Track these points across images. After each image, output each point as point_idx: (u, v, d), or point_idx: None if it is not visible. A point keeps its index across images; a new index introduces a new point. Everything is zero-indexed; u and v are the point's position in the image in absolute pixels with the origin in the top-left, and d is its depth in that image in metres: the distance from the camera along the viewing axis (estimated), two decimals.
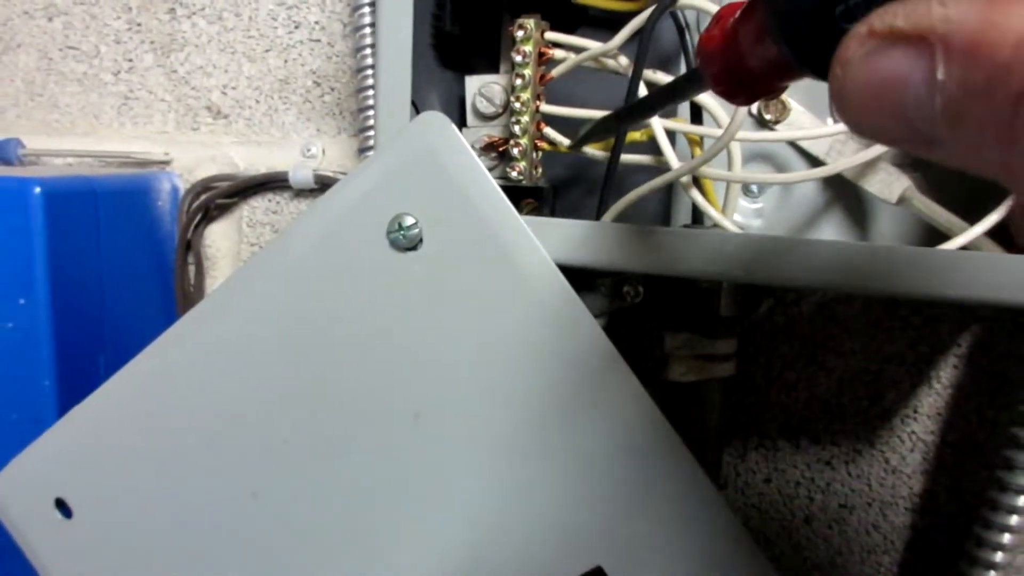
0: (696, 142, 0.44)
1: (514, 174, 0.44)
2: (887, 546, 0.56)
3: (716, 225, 0.42)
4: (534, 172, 0.45)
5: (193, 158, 0.68)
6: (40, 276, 0.56)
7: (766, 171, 0.48)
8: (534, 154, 0.45)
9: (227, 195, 0.67)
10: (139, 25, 0.69)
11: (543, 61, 0.44)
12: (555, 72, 0.44)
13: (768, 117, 0.46)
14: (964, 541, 0.48)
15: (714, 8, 0.40)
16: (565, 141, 0.44)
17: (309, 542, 0.41)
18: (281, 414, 0.41)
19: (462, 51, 0.48)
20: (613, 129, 0.40)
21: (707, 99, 0.42)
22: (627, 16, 0.43)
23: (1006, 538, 0.46)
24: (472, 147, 0.38)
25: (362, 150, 0.57)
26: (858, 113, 0.18)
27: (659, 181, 0.41)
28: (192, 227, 0.68)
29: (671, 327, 0.47)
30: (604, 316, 0.43)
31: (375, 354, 0.39)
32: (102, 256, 0.61)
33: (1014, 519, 0.45)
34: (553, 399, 0.37)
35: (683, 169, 0.41)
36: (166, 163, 0.69)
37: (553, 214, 0.50)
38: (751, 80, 0.23)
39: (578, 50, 0.44)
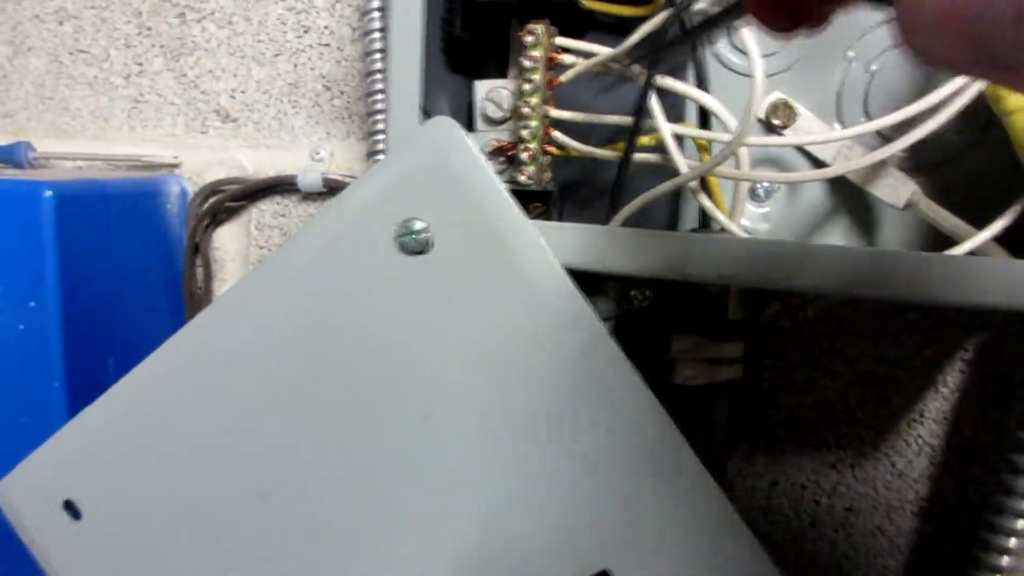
0: (704, 147, 0.45)
1: (523, 178, 0.45)
2: (893, 550, 0.56)
3: (724, 229, 0.42)
4: (543, 176, 0.45)
5: (202, 161, 0.69)
6: (50, 279, 0.56)
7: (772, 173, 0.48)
8: (542, 158, 0.45)
9: (236, 198, 0.67)
10: (149, 29, 0.69)
11: (552, 66, 0.44)
12: (565, 77, 0.44)
13: (776, 122, 0.46)
14: (970, 545, 0.48)
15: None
16: (574, 145, 0.45)
17: (318, 543, 0.41)
18: (290, 416, 0.41)
19: (471, 56, 0.48)
20: (653, 58, 0.40)
21: (713, 103, 0.43)
22: (634, 21, 0.44)
23: (1012, 542, 0.46)
24: (480, 151, 0.38)
25: (371, 154, 0.57)
26: (928, 37, 0.17)
27: (668, 185, 0.41)
28: (201, 230, 0.68)
29: (679, 330, 0.47)
30: (612, 320, 0.43)
31: (384, 356, 0.40)
32: (111, 259, 0.61)
33: (1020, 523, 0.45)
34: (561, 402, 0.37)
35: (692, 173, 0.41)
36: (175, 166, 0.69)
37: (561, 218, 0.50)
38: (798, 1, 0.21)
39: (586, 55, 0.44)
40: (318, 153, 0.65)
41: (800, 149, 0.47)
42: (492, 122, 0.47)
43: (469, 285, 0.38)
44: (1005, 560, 0.46)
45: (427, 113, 0.44)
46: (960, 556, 0.55)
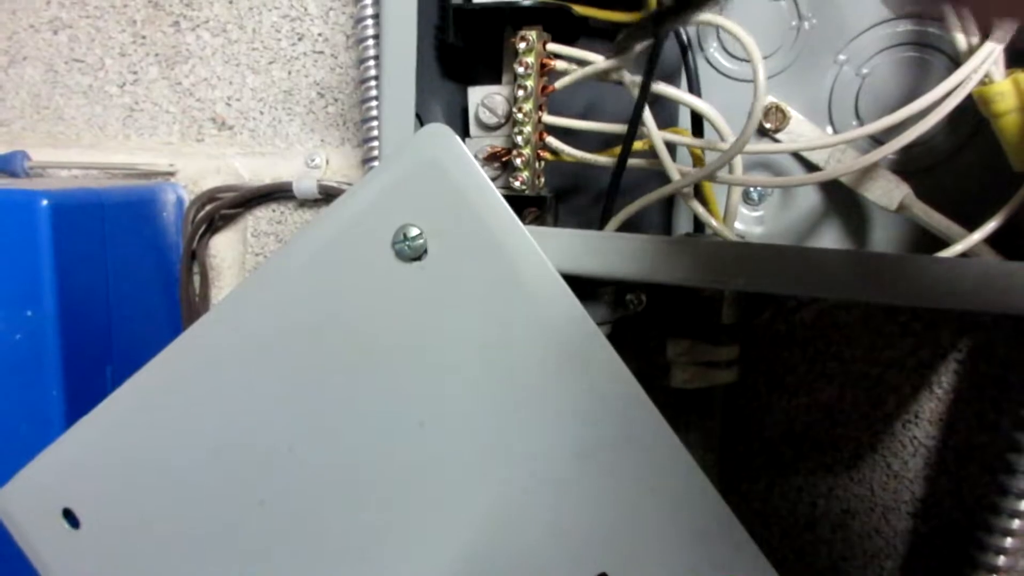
0: (698, 154, 0.45)
1: (517, 184, 0.45)
2: (890, 551, 0.57)
3: (717, 233, 0.43)
4: (537, 182, 0.46)
5: (198, 169, 0.69)
6: (47, 288, 0.56)
7: (765, 177, 0.48)
8: (537, 164, 0.45)
9: (232, 206, 0.68)
10: (144, 38, 0.69)
11: (545, 72, 0.44)
12: (559, 84, 0.44)
13: (768, 126, 0.47)
14: (967, 545, 0.48)
15: (717, 21, 0.41)
16: (568, 150, 0.45)
17: (316, 549, 0.42)
18: (287, 423, 0.41)
19: (465, 62, 0.49)
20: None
21: (709, 110, 0.43)
22: (626, 27, 0.44)
23: (1008, 542, 0.46)
24: (475, 157, 0.38)
25: (366, 160, 0.57)
26: None
27: (662, 192, 0.41)
28: (197, 237, 0.68)
29: (674, 334, 0.47)
30: (608, 324, 0.44)
31: (380, 363, 0.40)
32: (108, 267, 0.62)
33: (1016, 523, 0.45)
34: (557, 408, 0.37)
35: (686, 180, 0.41)
36: (171, 174, 0.69)
37: (556, 223, 0.51)
38: None
39: (579, 62, 0.44)
40: (313, 160, 0.65)
41: (793, 152, 0.47)
42: (486, 128, 0.47)
43: (465, 291, 0.38)
44: (1001, 560, 0.46)
45: (421, 119, 0.44)
46: (957, 556, 0.55)
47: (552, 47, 0.44)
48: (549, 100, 0.45)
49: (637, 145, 0.44)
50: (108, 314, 0.62)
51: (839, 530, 0.57)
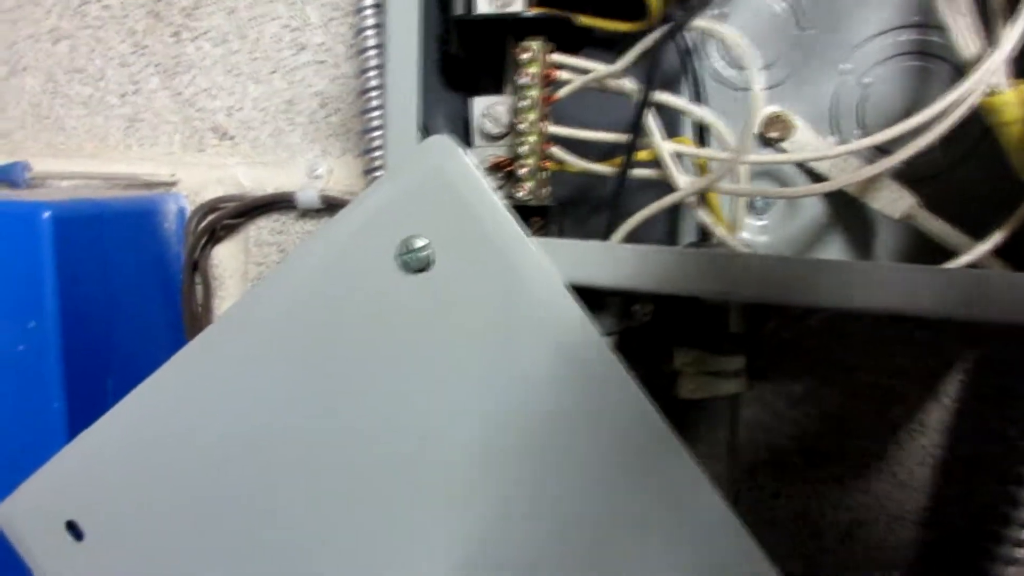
0: (702, 165, 0.45)
1: (521, 194, 0.45)
2: (897, 561, 0.56)
3: (722, 243, 0.42)
4: (541, 192, 0.45)
5: (199, 179, 0.69)
6: (49, 299, 0.56)
7: (771, 188, 0.48)
8: (540, 174, 0.45)
9: (233, 216, 0.67)
10: (145, 48, 0.69)
11: (548, 82, 0.44)
12: (561, 93, 0.44)
13: (772, 135, 0.47)
14: (975, 556, 0.48)
15: (718, 30, 0.41)
16: (572, 160, 0.45)
17: (320, 560, 0.41)
18: (292, 436, 0.41)
19: (467, 73, 0.49)
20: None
21: (712, 119, 0.43)
22: (630, 36, 0.44)
23: (1018, 552, 0.46)
24: (478, 167, 0.38)
25: (368, 171, 0.57)
26: None
27: (667, 201, 0.41)
28: (199, 248, 0.68)
29: (680, 344, 0.47)
30: (614, 335, 0.43)
31: (384, 375, 0.39)
32: (110, 278, 0.61)
33: None
34: (561, 420, 0.37)
35: (690, 189, 0.41)
36: (172, 184, 0.69)
37: (561, 233, 0.51)
38: None
39: (583, 71, 0.44)
40: (315, 170, 0.65)
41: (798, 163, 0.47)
42: (490, 138, 0.47)
43: (471, 303, 0.38)
44: (1011, 570, 0.46)
45: (425, 130, 0.44)
46: (965, 567, 0.55)
47: (555, 57, 0.44)
48: (552, 110, 0.45)
49: (642, 155, 0.44)
50: (110, 325, 0.61)
51: (846, 540, 0.57)
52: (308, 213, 0.66)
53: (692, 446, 0.37)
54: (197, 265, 0.68)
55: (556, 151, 0.45)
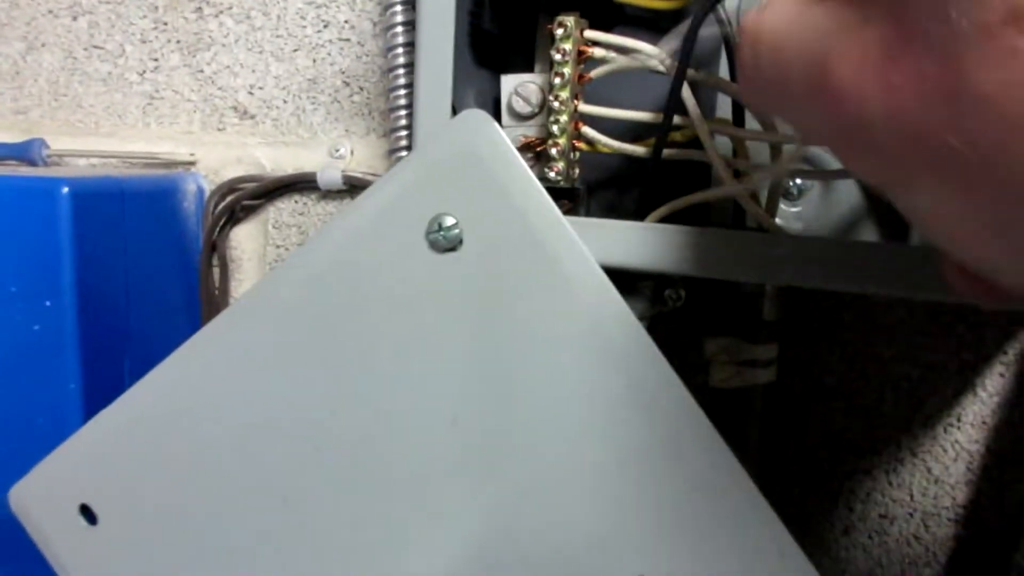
0: (741, 146, 0.43)
1: (552, 175, 0.43)
2: (929, 558, 0.55)
3: (761, 227, 0.41)
4: (571, 173, 0.44)
5: (219, 159, 0.68)
6: (66, 278, 0.55)
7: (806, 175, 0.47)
8: (572, 154, 0.44)
9: (253, 196, 0.66)
10: (165, 24, 0.68)
11: (582, 60, 0.43)
12: (596, 73, 0.43)
13: None
14: (1009, 553, 0.47)
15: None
16: (604, 140, 0.43)
17: (340, 547, 0.40)
18: (312, 419, 0.40)
19: (498, 50, 0.47)
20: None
21: None
22: (665, 14, 0.42)
23: None
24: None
25: (392, 151, 0.56)
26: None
27: (719, 192, 0.40)
28: (217, 229, 0.67)
29: (713, 332, 0.46)
30: (646, 320, 0.42)
31: (411, 357, 0.38)
32: (128, 258, 0.61)
33: None
34: (595, 403, 0.36)
35: (756, 180, 0.39)
36: (191, 164, 0.68)
37: (588, 216, 0.49)
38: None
39: (617, 49, 0.43)
40: (338, 150, 0.64)
41: None
42: (520, 117, 0.46)
43: (501, 283, 0.37)
44: None
45: (455, 108, 0.43)
46: (999, 565, 0.53)
47: (590, 34, 0.43)
48: (584, 89, 0.44)
49: (676, 137, 0.43)
50: (127, 306, 0.61)
51: (876, 536, 0.56)
52: (330, 194, 0.65)
53: (723, 436, 0.36)
54: (215, 246, 0.67)
55: (588, 131, 0.44)
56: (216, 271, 0.68)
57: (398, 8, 0.54)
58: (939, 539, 0.55)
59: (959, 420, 0.54)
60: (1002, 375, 0.52)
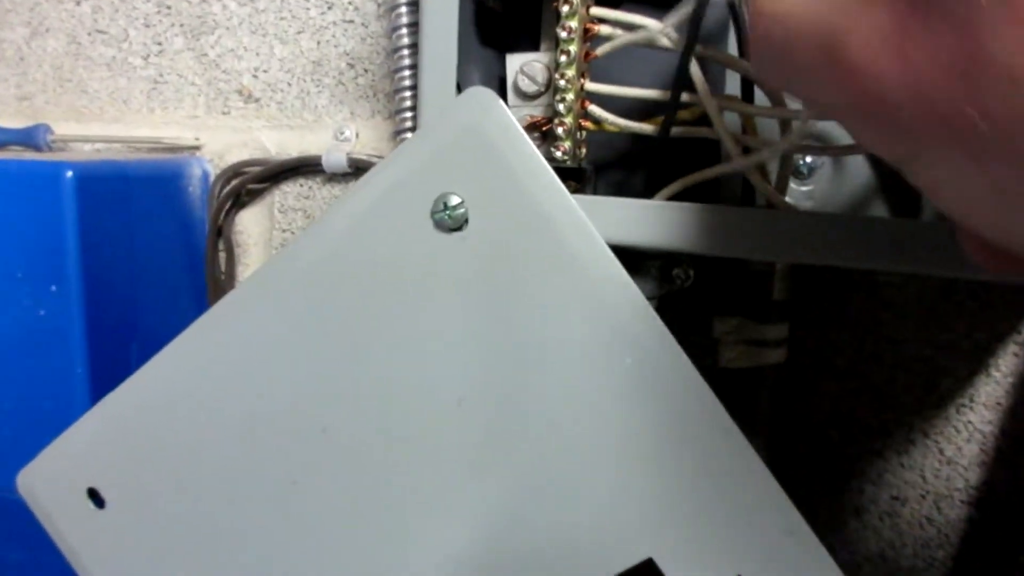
0: (750, 123, 0.43)
1: (559, 154, 0.43)
2: (941, 540, 0.55)
3: (771, 205, 0.41)
4: (578, 152, 0.44)
5: (224, 143, 0.67)
6: (72, 263, 0.55)
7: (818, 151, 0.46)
8: (579, 133, 0.43)
9: (258, 180, 0.66)
10: (168, 8, 0.68)
11: (588, 37, 0.42)
12: (602, 50, 0.42)
13: None
14: (1023, 535, 0.46)
15: None
16: (611, 119, 0.43)
17: (349, 529, 0.40)
18: (320, 402, 0.40)
19: (502, 28, 0.47)
20: None
21: None
22: None
23: None
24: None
25: (397, 133, 0.56)
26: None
27: (727, 168, 0.39)
28: (223, 213, 0.67)
29: (721, 312, 0.45)
30: (654, 300, 0.42)
31: (417, 338, 0.38)
32: (134, 242, 0.61)
33: None
34: (602, 383, 0.36)
35: (764, 154, 0.39)
36: (196, 148, 0.68)
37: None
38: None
39: (624, 26, 0.42)
40: (343, 133, 0.64)
41: None
42: (525, 97, 0.45)
43: (508, 263, 0.36)
44: None
45: (460, 88, 0.42)
46: (1013, 547, 0.53)
47: (596, 11, 0.42)
48: (590, 67, 0.43)
49: (684, 115, 0.42)
50: (133, 290, 0.61)
51: (888, 517, 0.56)
52: (335, 177, 0.65)
53: (732, 417, 0.35)
54: (221, 231, 0.67)
55: (595, 110, 0.43)
56: (222, 255, 0.68)
57: None
58: (952, 521, 0.55)
59: (972, 400, 0.53)
60: (1016, 355, 0.52)
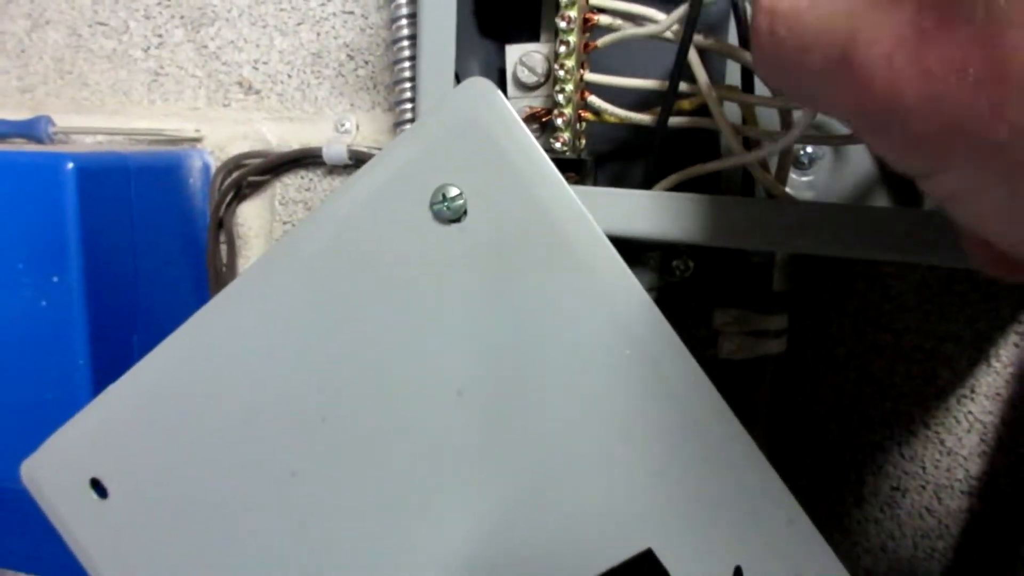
0: (751, 113, 0.43)
1: (558, 145, 0.43)
2: (941, 531, 0.55)
3: (770, 194, 0.41)
4: (578, 143, 0.44)
5: (225, 135, 0.67)
6: (73, 254, 0.55)
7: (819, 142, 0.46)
8: (578, 124, 0.43)
9: (259, 172, 0.66)
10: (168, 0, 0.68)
11: (588, 28, 0.42)
12: (603, 41, 0.42)
13: None
14: (1022, 526, 0.46)
15: None
16: (611, 110, 0.43)
17: (349, 520, 0.40)
18: (320, 392, 0.40)
19: (501, 19, 0.47)
20: None
21: None
22: None
23: None
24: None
25: (397, 124, 0.56)
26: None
27: (729, 163, 0.39)
28: (224, 205, 0.67)
29: (721, 303, 0.45)
30: (654, 291, 0.42)
31: (416, 329, 0.38)
32: (135, 234, 0.61)
33: None
34: (602, 375, 0.36)
35: (770, 148, 0.39)
36: (197, 140, 0.68)
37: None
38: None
39: (624, 16, 0.42)
40: (343, 125, 0.64)
41: None
42: (525, 88, 0.45)
43: (506, 254, 0.36)
44: None
45: (457, 79, 0.42)
46: (1012, 537, 0.53)
47: (596, 1, 0.42)
48: (590, 58, 0.43)
49: (683, 105, 0.42)
50: (135, 282, 0.61)
51: (888, 508, 0.56)
52: (336, 169, 0.65)
53: (732, 409, 0.35)
54: (222, 223, 0.67)
55: (595, 100, 0.43)
56: (223, 247, 0.68)
57: None
58: (952, 511, 0.54)
59: (973, 391, 0.53)
60: (1017, 345, 0.52)
